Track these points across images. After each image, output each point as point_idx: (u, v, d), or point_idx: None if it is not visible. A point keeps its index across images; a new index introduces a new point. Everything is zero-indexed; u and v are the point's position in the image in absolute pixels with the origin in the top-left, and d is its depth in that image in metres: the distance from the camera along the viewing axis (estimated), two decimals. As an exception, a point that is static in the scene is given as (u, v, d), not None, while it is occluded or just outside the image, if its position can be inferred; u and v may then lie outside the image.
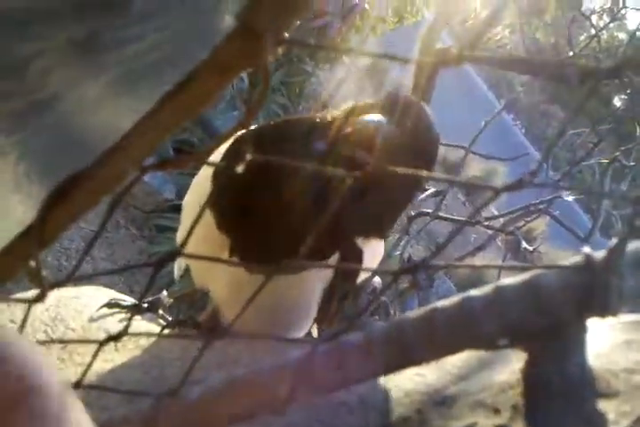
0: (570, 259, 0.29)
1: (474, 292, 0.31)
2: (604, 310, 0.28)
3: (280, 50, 0.23)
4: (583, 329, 0.31)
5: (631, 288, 0.28)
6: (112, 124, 0.33)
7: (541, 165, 0.24)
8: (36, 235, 0.32)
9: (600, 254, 0.28)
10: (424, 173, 0.31)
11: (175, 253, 0.33)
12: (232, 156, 0.25)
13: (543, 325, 0.29)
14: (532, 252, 1.87)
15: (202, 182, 0.73)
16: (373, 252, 0.77)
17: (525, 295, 0.29)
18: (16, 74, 0.25)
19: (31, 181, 0.32)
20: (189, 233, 0.32)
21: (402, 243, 2.08)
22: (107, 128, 0.33)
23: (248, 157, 0.27)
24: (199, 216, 0.32)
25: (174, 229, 0.84)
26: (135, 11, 0.25)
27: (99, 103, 0.30)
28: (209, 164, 0.29)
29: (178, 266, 0.87)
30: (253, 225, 0.67)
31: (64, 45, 0.24)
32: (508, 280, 0.30)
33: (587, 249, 0.29)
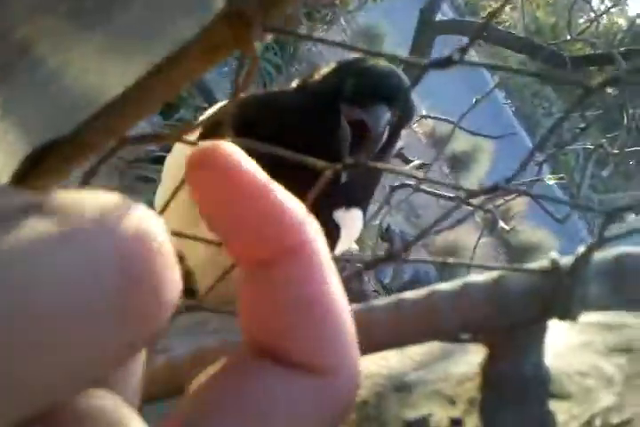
0: (537, 262, 0.30)
1: (443, 285, 0.31)
2: (565, 314, 0.29)
3: (269, 37, 0.23)
4: (543, 330, 0.31)
5: (594, 295, 0.29)
6: (98, 88, 0.32)
7: (520, 172, 0.24)
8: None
9: (567, 260, 0.29)
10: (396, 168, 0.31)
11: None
12: (213, 133, 0.25)
13: (505, 323, 0.29)
14: (508, 231, 1.89)
15: (184, 147, 0.72)
16: (351, 223, 0.78)
17: (491, 295, 0.29)
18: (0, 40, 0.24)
19: (10, 139, 0.32)
20: (166, 205, 0.32)
21: (382, 212, 2.09)
22: (93, 92, 0.32)
23: (228, 139, 0.26)
24: (176, 190, 0.31)
25: (156, 181, 0.83)
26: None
27: (85, 67, 0.30)
28: (189, 143, 0.29)
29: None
30: None
31: (47, 18, 0.24)
32: (476, 277, 0.31)
33: (554, 254, 0.29)
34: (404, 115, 0.72)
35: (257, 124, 0.58)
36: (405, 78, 0.70)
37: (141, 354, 0.16)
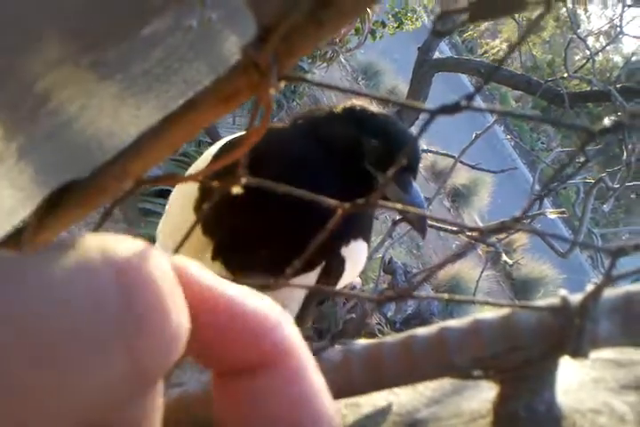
0: (547, 300, 0.30)
1: (453, 322, 0.32)
2: (576, 352, 0.29)
3: (283, 84, 0.24)
4: (554, 367, 0.32)
5: (604, 332, 0.29)
6: (111, 131, 0.33)
7: (526, 212, 0.25)
8: (29, 239, 0.32)
9: (576, 298, 0.29)
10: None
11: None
12: (225, 173, 0.26)
13: (516, 360, 0.30)
14: (511, 265, 1.89)
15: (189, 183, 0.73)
16: (356, 257, 0.78)
17: (501, 332, 0.30)
18: (20, 94, 0.25)
19: (25, 180, 0.33)
20: (186, 238, 0.32)
21: (384, 246, 2.10)
22: (105, 134, 0.33)
23: (243, 180, 0.27)
24: (191, 229, 0.32)
25: (158, 214, 0.83)
26: (144, 35, 0.26)
27: (101, 111, 0.31)
28: (204, 182, 0.29)
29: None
30: (237, 232, 0.67)
31: (69, 69, 0.25)
32: (487, 315, 0.31)
33: (563, 291, 0.30)
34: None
35: (269, 170, 0.58)
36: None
37: (158, 394, 0.16)
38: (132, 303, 0.13)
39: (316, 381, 0.15)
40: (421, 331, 0.32)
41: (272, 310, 0.15)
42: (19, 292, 0.12)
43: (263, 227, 0.65)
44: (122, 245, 0.14)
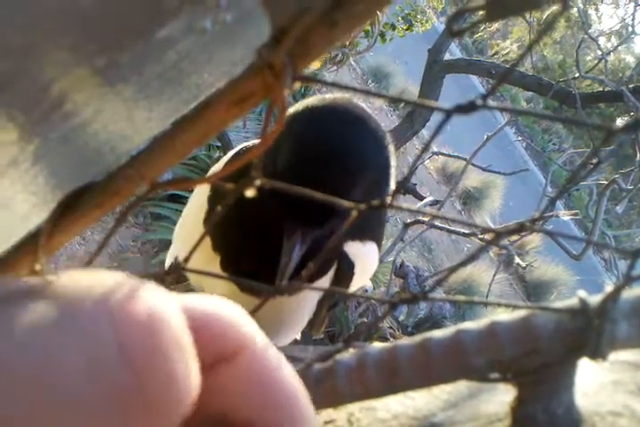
0: (565, 302, 0.30)
1: (469, 324, 0.31)
2: (595, 354, 0.28)
3: (297, 85, 0.24)
4: (573, 370, 0.31)
5: (623, 334, 0.29)
6: (123, 134, 0.33)
7: (543, 214, 0.25)
8: (45, 241, 0.32)
9: (595, 299, 0.29)
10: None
11: (177, 267, 0.33)
12: (239, 177, 0.25)
13: (534, 363, 0.29)
14: (524, 268, 1.88)
15: (204, 189, 0.73)
16: (365, 260, 0.78)
17: (519, 334, 0.30)
18: (36, 96, 0.25)
19: (40, 184, 0.33)
20: (191, 252, 0.32)
21: (395, 249, 2.09)
22: (117, 138, 0.33)
23: (257, 182, 0.27)
24: (198, 243, 0.32)
25: (169, 218, 0.83)
26: (159, 38, 0.26)
27: (114, 115, 0.31)
28: (218, 185, 0.29)
29: (169, 259, 0.87)
30: (241, 250, 0.67)
31: (85, 71, 0.25)
32: (504, 317, 0.31)
33: (582, 293, 0.30)
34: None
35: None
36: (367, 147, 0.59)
37: None
38: (134, 369, 0.11)
39: (281, 367, 0.16)
40: (437, 333, 0.32)
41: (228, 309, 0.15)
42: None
43: (266, 247, 0.64)
44: (114, 288, 0.12)
